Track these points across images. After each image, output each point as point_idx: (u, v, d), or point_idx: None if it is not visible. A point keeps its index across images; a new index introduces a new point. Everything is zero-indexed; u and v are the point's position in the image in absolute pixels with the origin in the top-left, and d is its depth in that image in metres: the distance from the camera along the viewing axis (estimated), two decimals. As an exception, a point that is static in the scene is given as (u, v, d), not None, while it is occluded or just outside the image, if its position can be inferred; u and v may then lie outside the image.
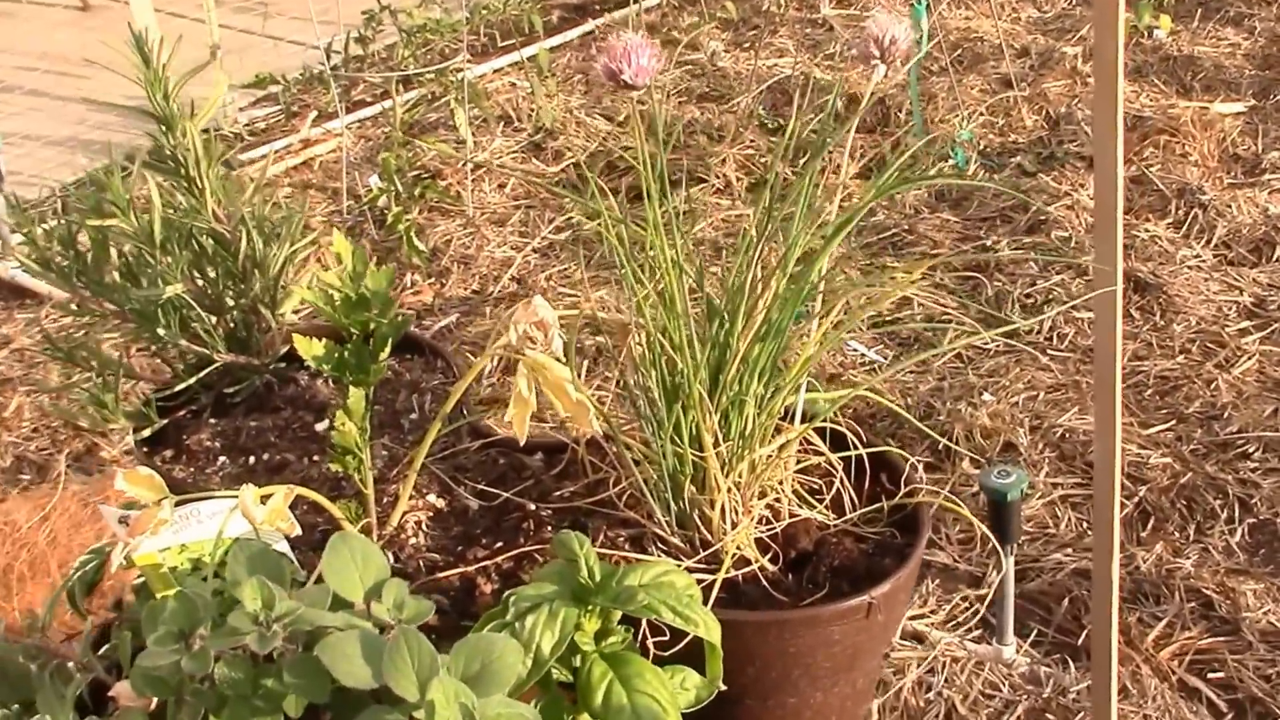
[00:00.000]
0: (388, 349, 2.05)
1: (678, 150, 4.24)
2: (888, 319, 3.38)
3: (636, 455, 1.92)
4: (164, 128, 2.11)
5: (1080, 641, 2.54)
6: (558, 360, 1.79)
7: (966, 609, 2.62)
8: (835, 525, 2.00)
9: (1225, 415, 3.11)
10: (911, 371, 3.24)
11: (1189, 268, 3.64)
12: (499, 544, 2.01)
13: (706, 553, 1.91)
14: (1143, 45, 4.88)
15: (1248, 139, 4.25)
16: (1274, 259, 3.67)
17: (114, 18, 5.03)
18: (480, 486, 2.12)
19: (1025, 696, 2.44)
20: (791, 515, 1.98)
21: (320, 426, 2.22)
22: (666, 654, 1.76)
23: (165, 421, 2.23)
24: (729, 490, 1.90)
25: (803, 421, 2.01)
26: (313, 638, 1.49)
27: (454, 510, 2.10)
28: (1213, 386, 3.20)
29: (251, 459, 2.18)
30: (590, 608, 1.70)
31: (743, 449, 1.91)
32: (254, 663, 1.49)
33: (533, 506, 2.06)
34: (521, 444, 1.93)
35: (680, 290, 1.87)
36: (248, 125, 4.83)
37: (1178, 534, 2.80)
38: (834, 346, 1.98)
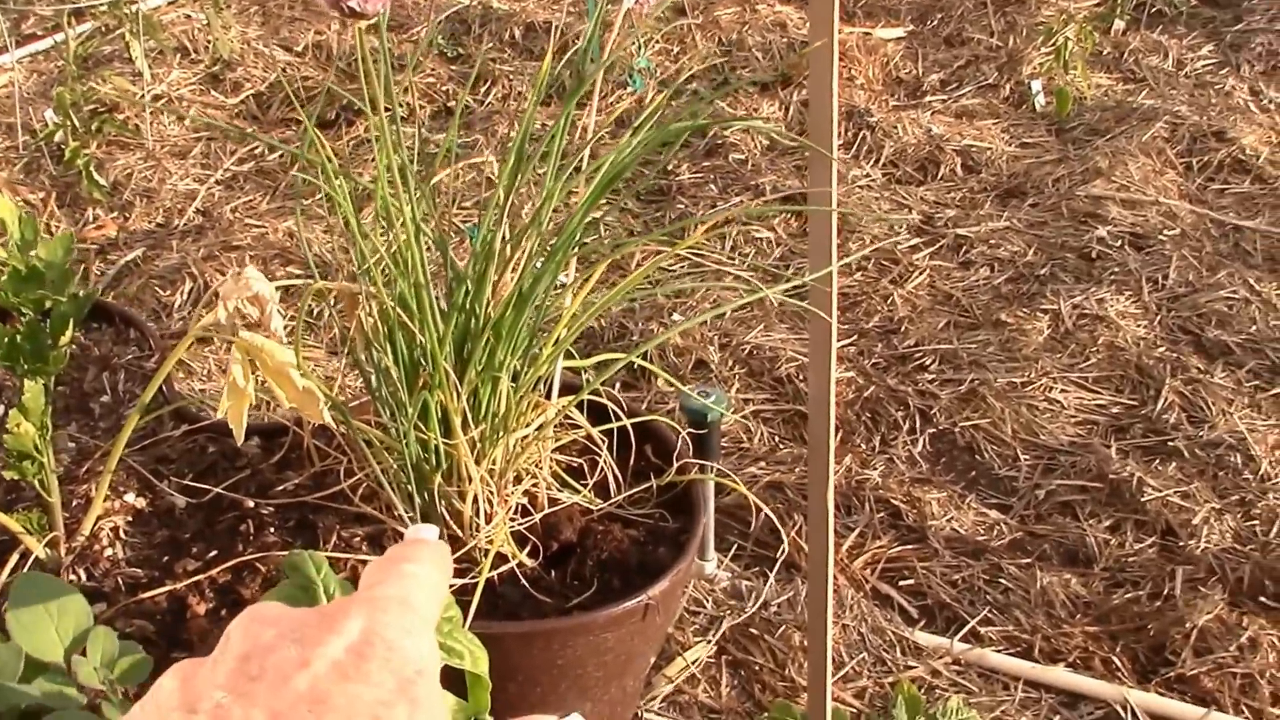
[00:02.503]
0: (70, 331, 1.66)
1: (358, 80, 3.94)
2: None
3: (373, 442, 1.55)
4: None
5: (779, 554, 2.40)
6: (278, 341, 1.44)
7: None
8: (600, 510, 1.65)
9: (902, 329, 3.01)
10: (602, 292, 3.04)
11: (860, 187, 3.53)
12: (212, 552, 1.61)
13: (458, 552, 1.55)
14: (806, -25, 4.76)
15: (909, 63, 4.18)
16: (938, 178, 3.60)
17: None
18: (187, 481, 1.71)
19: (729, 611, 2.28)
20: (551, 502, 1.62)
21: (-23, 418, 1.79)
22: None
23: None
24: (482, 479, 1.54)
25: (561, 394, 1.67)
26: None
27: (157, 511, 1.69)
28: (889, 302, 3.10)
29: None
30: None
31: (497, 431, 1.56)
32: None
33: (251, 503, 1.66)
34: (240, 440, 1.54)
35: (419, 251, 1.48)
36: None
37: (865, 446, 2.68)
38: (602, 311, 1.64)
